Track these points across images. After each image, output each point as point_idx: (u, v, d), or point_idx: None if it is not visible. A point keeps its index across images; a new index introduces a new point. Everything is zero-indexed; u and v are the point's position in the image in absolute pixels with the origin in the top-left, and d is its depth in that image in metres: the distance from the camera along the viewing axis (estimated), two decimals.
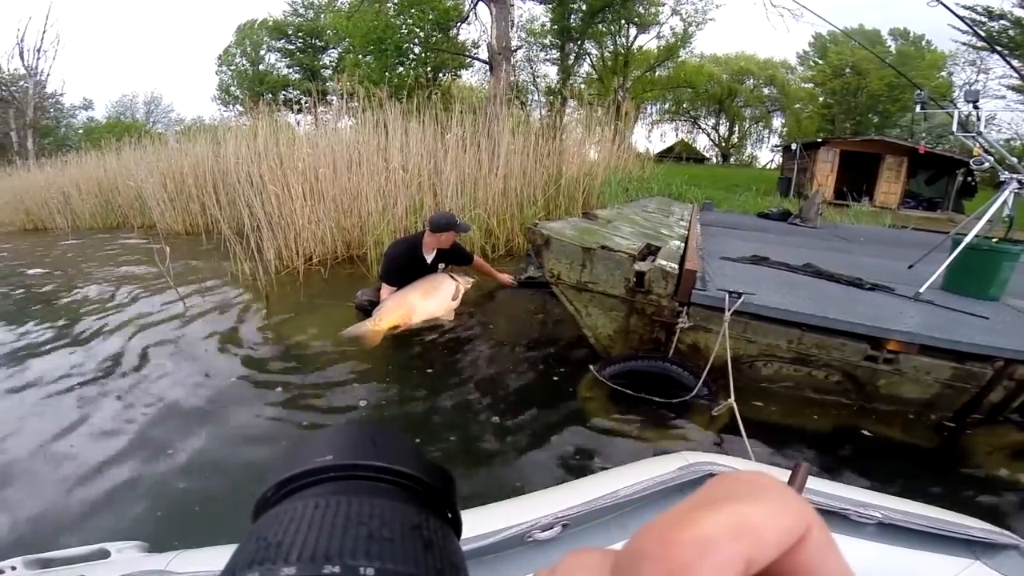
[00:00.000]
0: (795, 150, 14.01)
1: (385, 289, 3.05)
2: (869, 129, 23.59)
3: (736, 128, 36.59)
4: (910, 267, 3.39)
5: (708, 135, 37.36)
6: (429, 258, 3.13)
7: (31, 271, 5.38)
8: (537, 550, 0.59)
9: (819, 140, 15.11)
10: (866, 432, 2.10)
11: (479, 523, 0.59)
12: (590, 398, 2.23)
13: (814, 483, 0.66)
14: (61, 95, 26.95)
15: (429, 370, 2.64)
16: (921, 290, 2.55)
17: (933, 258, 3.12)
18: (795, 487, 0.60)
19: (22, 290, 4.46)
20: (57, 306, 3.82)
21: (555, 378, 2.50)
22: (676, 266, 2.14)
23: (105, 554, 0.63)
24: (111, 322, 3.29)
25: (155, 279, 4.16)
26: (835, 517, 0.64)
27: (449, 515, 0.19)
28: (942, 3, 3.00)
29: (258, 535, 0.16)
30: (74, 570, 0.59)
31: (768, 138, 36.99)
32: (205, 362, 2.68)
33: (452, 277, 3.14)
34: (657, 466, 0.71)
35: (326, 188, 4.75)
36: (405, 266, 3.08)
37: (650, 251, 2.49)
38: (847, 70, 26.72)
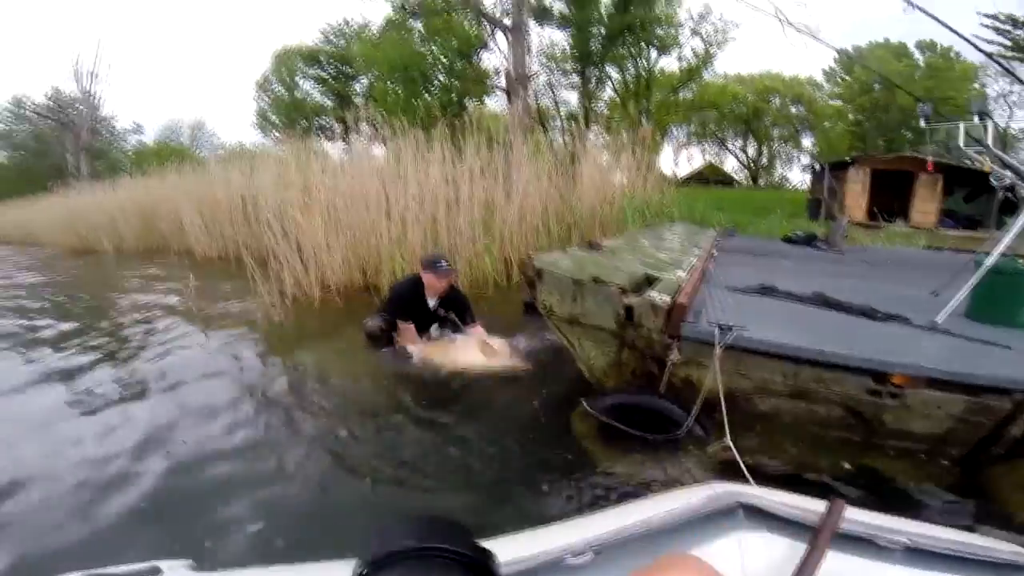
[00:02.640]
0: (820, 171, 13.58)
1: (407, 327, 3.10)
2: (903, 146, 22.68)
3: (765, 149, 35.99)
4: (934, 294, 3.23)
5: (736, 157, 36.88)
6: (432, 303, 3.18)
7: (72, 290, 5.73)
8: (570, 575, 0.61)
9: (848, 160, 14.62)
10: (876, 467, 1.99)
11: (514, 548, 0.61)
12: (583, 432, 2.21)
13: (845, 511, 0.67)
14: (114, 118, 28.69)
15: (432, 399, 2.67)
16: (939, 319, 2.43)
17: (960, 283, 2.94)
18: (828, 523, 0.62)
19: (56, 310, 4.78)
20: (85, 327, 4.08)
21: (551, 415, 2.49)
22: (668, 299, 2.13)
23: (156, 571, 0.63)
24: (135, 346, 3.50)
25: (181, 306, 4.39)
26: (862, 542, 0.64)
27: None
28: (919, 8, 2.91)
29: None
30: None
31: (798, 158, 36.25)
32: (218, 384, 2.83)
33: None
34: (686, 496, 0.72)
35: (345, 217, 4.92)
36: (409, 305, 3.12)
37: (648, 282, 2.49)
38: (875, 85, 26.06)
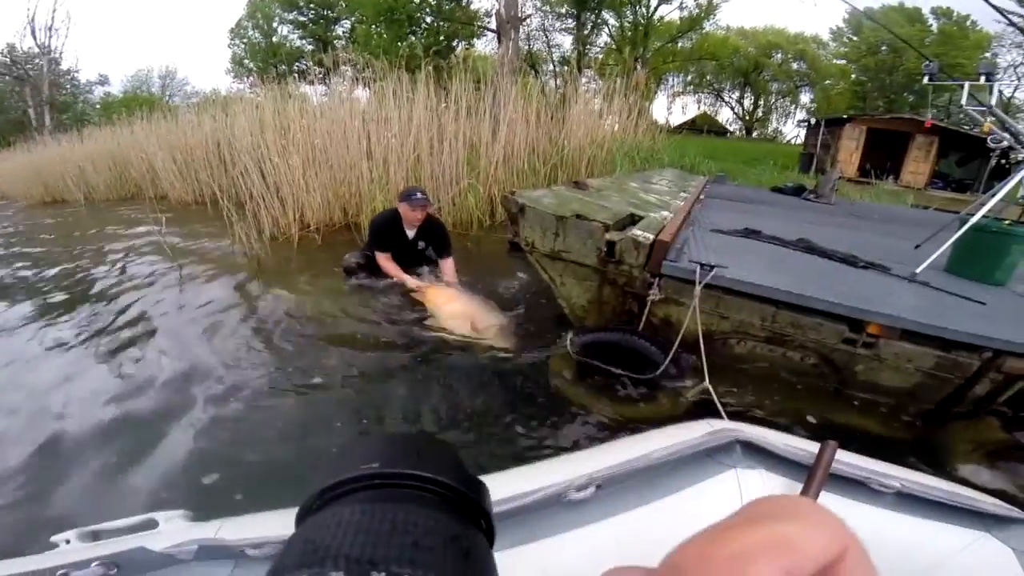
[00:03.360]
0: (816, 126, 13.44)
1: (381, 256, 3.07)
2: (903, 108, 22.41)
3: (761, 102, 35.26)
4: (917, 247, 3.23)
5: (732, 108, 36.16)
6: (411, 234, 3.13)
7: (43, 238, 5.50)
8: (572, 509, 0.61)
9: (845, 117, 14.50)
10: (842, 421, 2.00)
11: (516, 483, 0.61)
12: (561, 369, 2.20)
13: (838, 454, 0.68)
14: (76, 72, 27.31)
15: (412, 335, 2.62)
16: (917, 271, 2.42)
17: (943, 239, 2.92)
18: (823, 462, 0.61)
19: (29, 261, 4.58)
20: (59, 275, 3.93)
21: (535, 352, 2.45)
22: (650, 236, 2.06)
23: (153, 524, 0.64)
24: (107, 287, 3.38)
25: (154, 247, 4.22)
26: (856, 485, 0.66)
27: (483, 524, 0.20)
28: None
29: (305, 537, 0.16)
30: (126, 541, 0.59)
31: (795, 113, 35.62)
32: (194, 324, 2.75)
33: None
34: (684, 431, 0.73)
35: (324, 157, 4.73)
36: (389, 236, 3.08)
37: (632, 221, 2.42)
38: (883, 47, 25.31)
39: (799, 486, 0.63)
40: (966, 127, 12.62)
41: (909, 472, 0.72)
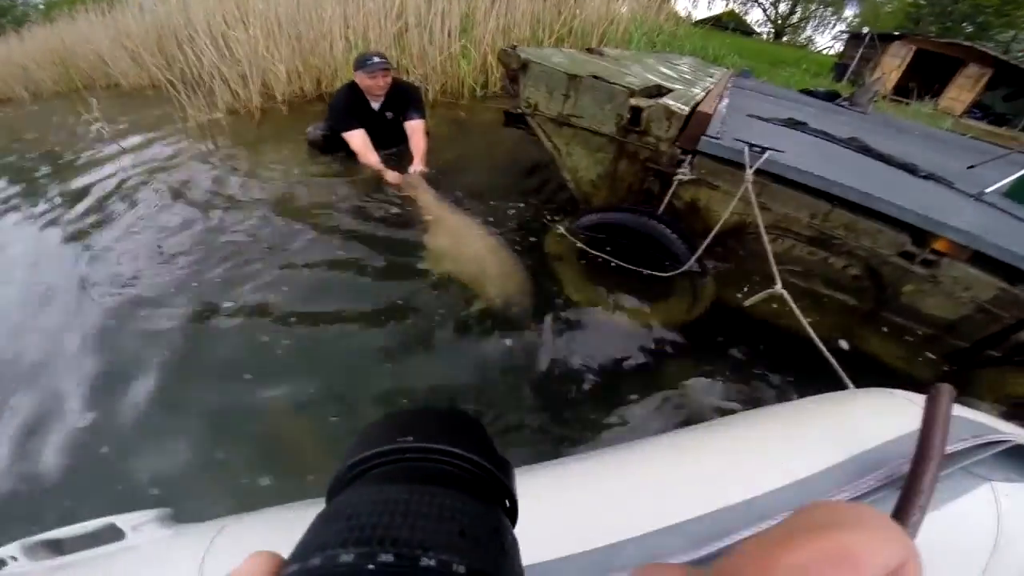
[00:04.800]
0: (866, 36, 12.48)
1: (355, 137, 2.51)
2: (958, 36, 20.61)
3: (799, 7, 31.87)
4: (971, 167, 2.83)
5: (763, 9, 32.83)
6: (376, 105, 2.58)
7: None
8: None
9: (896, 33, 13.70)
10: (863, 347, 1.74)
11: (551, 526, 0.41)
12: (560, 256, 1.86)
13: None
14: None
15: (391, 215, 2.21)
16: (987, 189, 2.09)
17: (998, 166, 2.66)
18: (943, 402, 0.40)
19: None
20: None
21: (531, 238, 2.08)
22: (685, 108, 1.62)
23: (118, 534, 0.51)
24: (45, 179, 2.81)
25: (96, 135, 3.57)
26: None
27: (508, 503, 0.20)
28: None
29: (349, 513, 0.16)
30: (86, 560, 0.49)
31: (834, 25, 32.46)
32: (143, 204, 2.29)
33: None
34: (866, 409, 0.51)
35: (292, 26, 4.03)
36: (351, 114, 2.52)
37: (659, 92, 1.94)
38: None
39: None
40: None
41: None
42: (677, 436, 0.54)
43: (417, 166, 2.51)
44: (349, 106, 2.52)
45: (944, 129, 7.20)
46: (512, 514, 0.20)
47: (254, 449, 1.18)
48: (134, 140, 3.31)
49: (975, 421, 0.51)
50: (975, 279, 1.57)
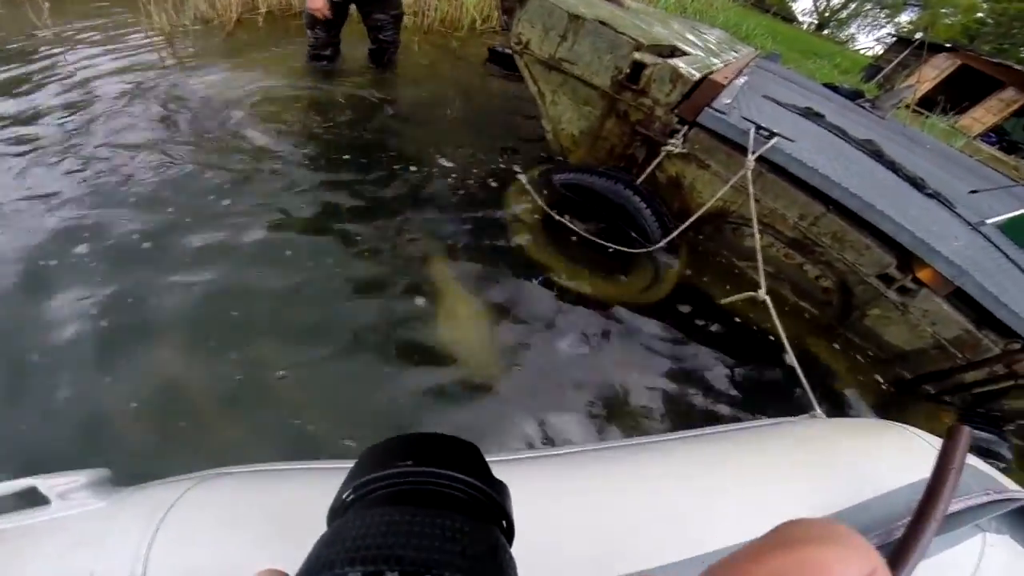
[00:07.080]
0: (915, 42, 12.00)
1: None
2: (1010, 59, 20.08)
3: (854, 4, 30.37)
4: (973, 192, 2.74)
5: None
6: None
7: None
8: None
9: (946, 44, 13.14)
10: (815, 352, 1.69)
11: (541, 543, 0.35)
12: (524, 221, 1.72)
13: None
14: None
15: (359, 147, 2.00)
16: (988, 221, 2.07)
17: (999, 196, 2.65)
18: (959, 451, 0.41)
19: None
20: None
21: (494, 183, 1.91)
22: (695, 73, 1.44)
23: (40, 499, 0.39)
24: None
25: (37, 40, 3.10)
26: None
27: (504, 524, 0.20)
28: None
29: (355, 534, 0.16)
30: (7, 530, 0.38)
31: (883, 27, 31.09)
32: (100, 119, 2.00)
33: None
34: (880, 450, 0.50)
35: None
36: None
37: (672, 53, 1.75)
38: None
39: None
40: None
41: None
42: (675, 454, 0.49)
43: None
44: None
45: (955, 148, 7.07)
46: (509, 534, 0.20)
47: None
48: (85, 52, 2.91)
49: (984, 473, 0.50)
50: (945, 316, 1.53)
